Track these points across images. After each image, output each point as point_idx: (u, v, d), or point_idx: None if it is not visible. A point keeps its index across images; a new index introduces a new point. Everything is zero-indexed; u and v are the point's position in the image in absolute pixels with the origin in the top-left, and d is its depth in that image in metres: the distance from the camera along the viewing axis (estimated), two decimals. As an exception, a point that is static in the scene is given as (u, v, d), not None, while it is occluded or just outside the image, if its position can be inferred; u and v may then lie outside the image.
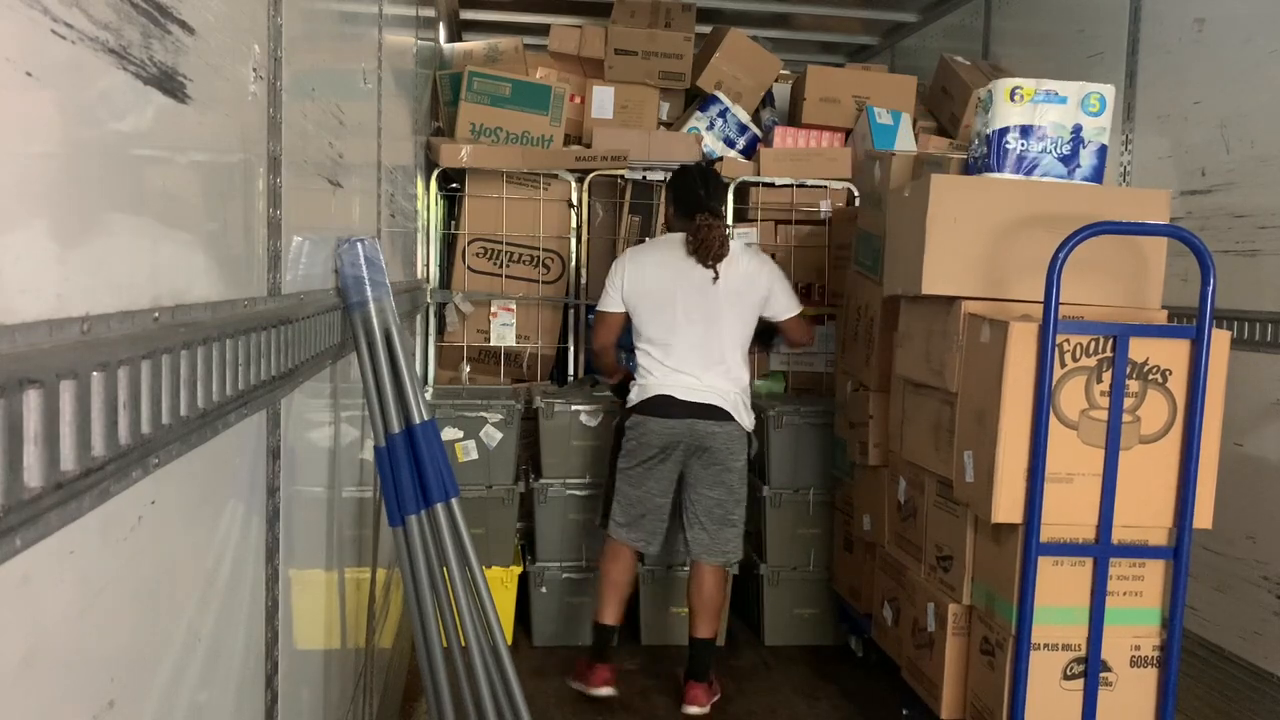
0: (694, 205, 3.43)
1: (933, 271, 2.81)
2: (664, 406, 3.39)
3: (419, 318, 4.14)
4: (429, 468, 2.22)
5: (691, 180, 3.52)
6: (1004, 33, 5.00)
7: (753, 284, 3.42)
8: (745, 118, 4.72)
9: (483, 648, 2.36)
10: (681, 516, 3.53)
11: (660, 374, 3.40)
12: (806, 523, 4.11)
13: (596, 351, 3.68)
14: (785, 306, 3.50)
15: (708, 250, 3.34)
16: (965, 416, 2.75)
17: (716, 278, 3.35)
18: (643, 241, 4.33)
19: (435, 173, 4.40)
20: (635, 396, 3.48)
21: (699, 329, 3.37)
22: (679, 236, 3.44)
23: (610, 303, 3.49)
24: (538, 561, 4.01)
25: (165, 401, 1.01)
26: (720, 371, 3.39)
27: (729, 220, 4.38)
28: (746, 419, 3.45)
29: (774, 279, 3.48)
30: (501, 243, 4.38)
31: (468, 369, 4.44)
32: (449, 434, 3.87)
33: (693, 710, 3.47)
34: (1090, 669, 2.60)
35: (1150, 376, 2.55)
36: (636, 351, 3.49)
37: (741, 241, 3.52)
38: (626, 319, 3.49)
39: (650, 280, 3.42)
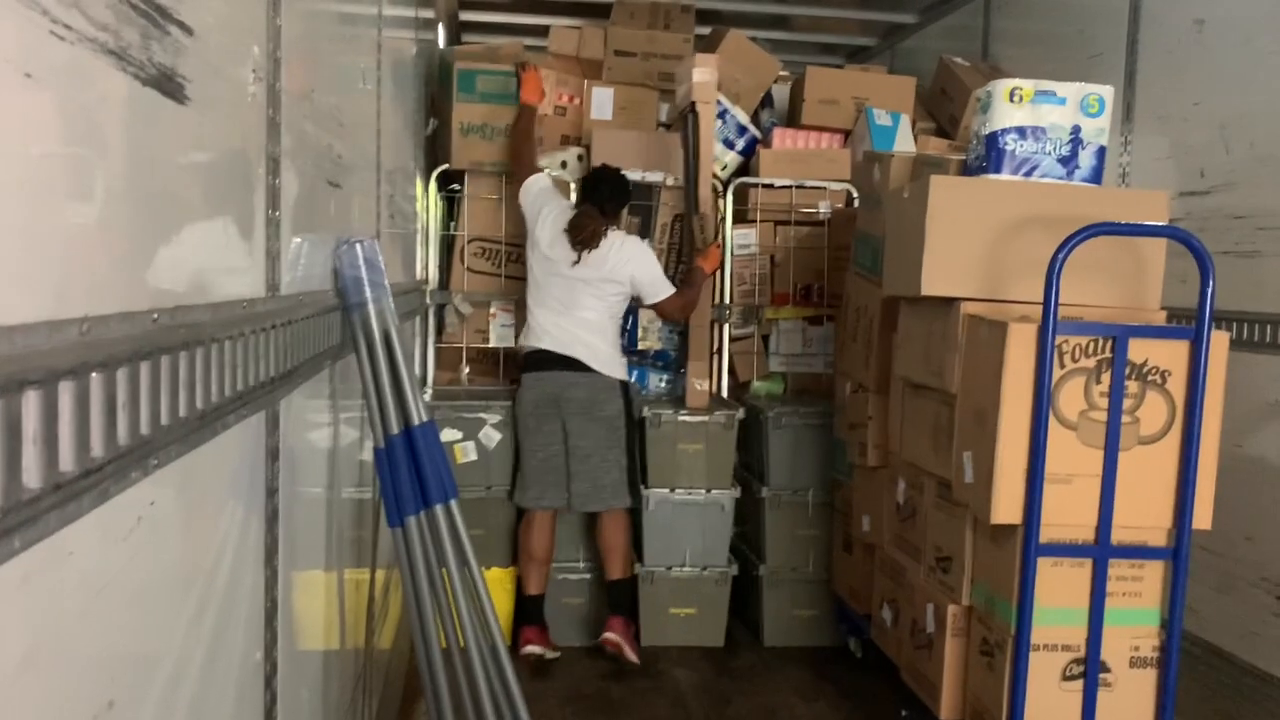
0: (583, 196, 3.90)
1: (932, 272, 2.81)
2: (535, 361, 3.76)
3: (418, 319, 4.14)
4: (428, 469, 2.22)
5: (594, 178, 3.90)
6: (1003, 34, 5.00)
7: (615, 273, 3.74)
8: (744, 119, 4.72)
9: (482, 648, 2.36)
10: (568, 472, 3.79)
11: (534, 326, 3.79)
12: (806, 524, 4.11)
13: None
14: (650, 293, 3.83)
15: (574, 234, 3.72)
16: (964, 417, 2.75)
17: (577, 261, 3.71)
18: (642, 240, 4.33)
19: (435, 173, 4.40)
20: (521, 353, 3.86)
21: (563, 291, 3.74)
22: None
23: (525, 197, 3.93)
24: (537, 562, 4.01)
25: (164, 402, 1.01)
26: (583, 327, 3.72)
27: (722, 222, 4.39)
28: (616, 370, 3.76)
29: (639, 270, 3.77)
30: (501, 243, 4.38)
31: (467, 370, 4.44)
32: (448, 435, 3.87)
33: (610, 635, 3.78)
34: (1089, 670, 2.60)
35: (1149, 377, 2.55)
36: (527, 295, 3.87)
37: (622, 235, 3.85)
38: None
39: (541, 222, 3.82)
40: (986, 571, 2.75)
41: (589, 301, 3.73)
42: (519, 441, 3.85)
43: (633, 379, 3.96)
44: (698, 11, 5.05)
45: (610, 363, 3.76)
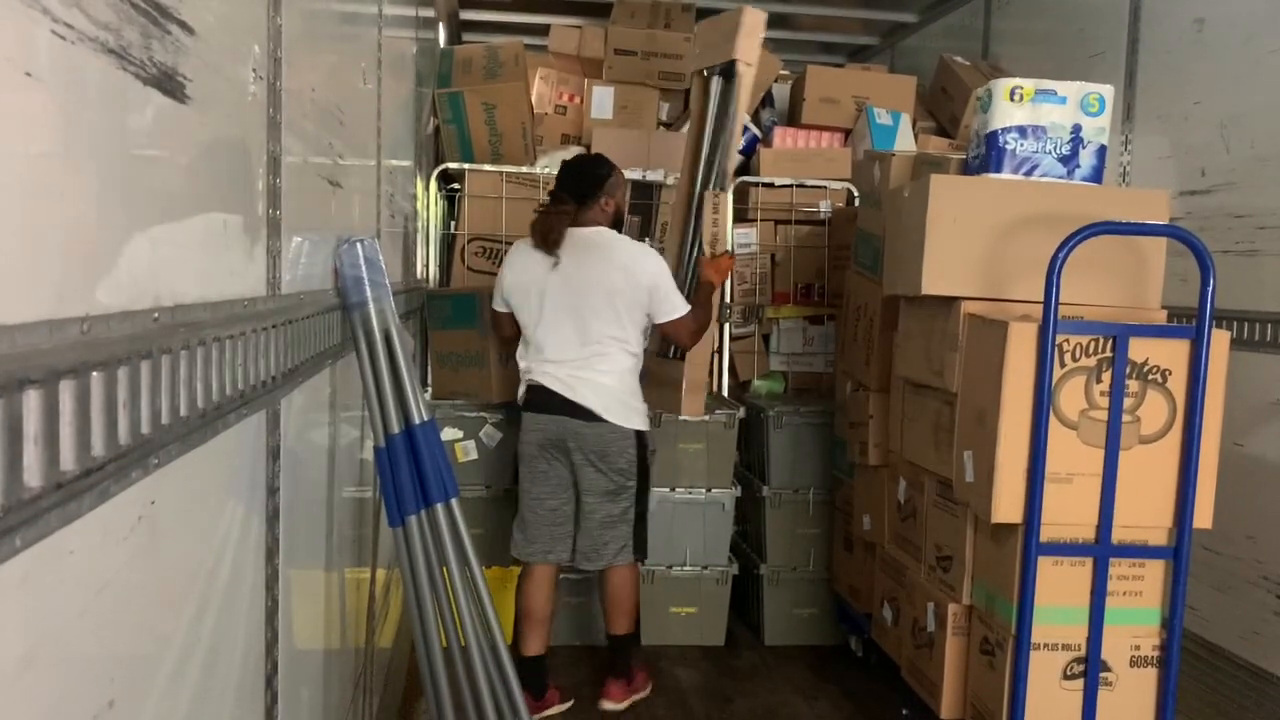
0: (553, 193, 3.34)
1: (932, 272, 2.81)
2: (538, 402, 3.24)
3: (419, 318, 4.14)
4: (429, 468, 2.22)
5: (562, 171, 3.36)
6: (1004, 33, 5.00)
7: (627, 278, 3.16)
8: (745, 118, 4.72)
9: (482, 647, 2.36)
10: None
11: (534, 369, 3.26)
12: (806, 523, 4.11)
13: (504, 347, 3.58)
14: (664, 309, 3.22)
15: (540, 236, 3.21)
16: (965, 416, 2.75)
17: (557, 263, 3.17)
18: (641, 242, 4.32)
19: (435, 172, 4.40)
20: (519, 395, 3.34)
21: (566, 321, 3.19)
22: None
23: (496, 301, 3.39)
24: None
25: (165, 401, 1.01)
26: (592, 367, 3.18)
27: (725, 214, 4.37)
28: (624, 417, 3.20)
29: (657, 278, 3.20)
30: (501, 242, 4.38)
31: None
32: (449, 434, 3.87)
33: (607, 705, 3.46)
34: (1090, 669, 2.60)
35: (1150, 376, 2.55)
36: (520, 348, 3.37)
37: (621, 236, 3.30)
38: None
39: (519, 273, 3.27)
40: (987, 570, 2.75)
41: (600, 323, 3.16)
42: (520, 487, 3.38)
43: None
44: (698, 10, 5.05)
45: (622, 409, 3.21)
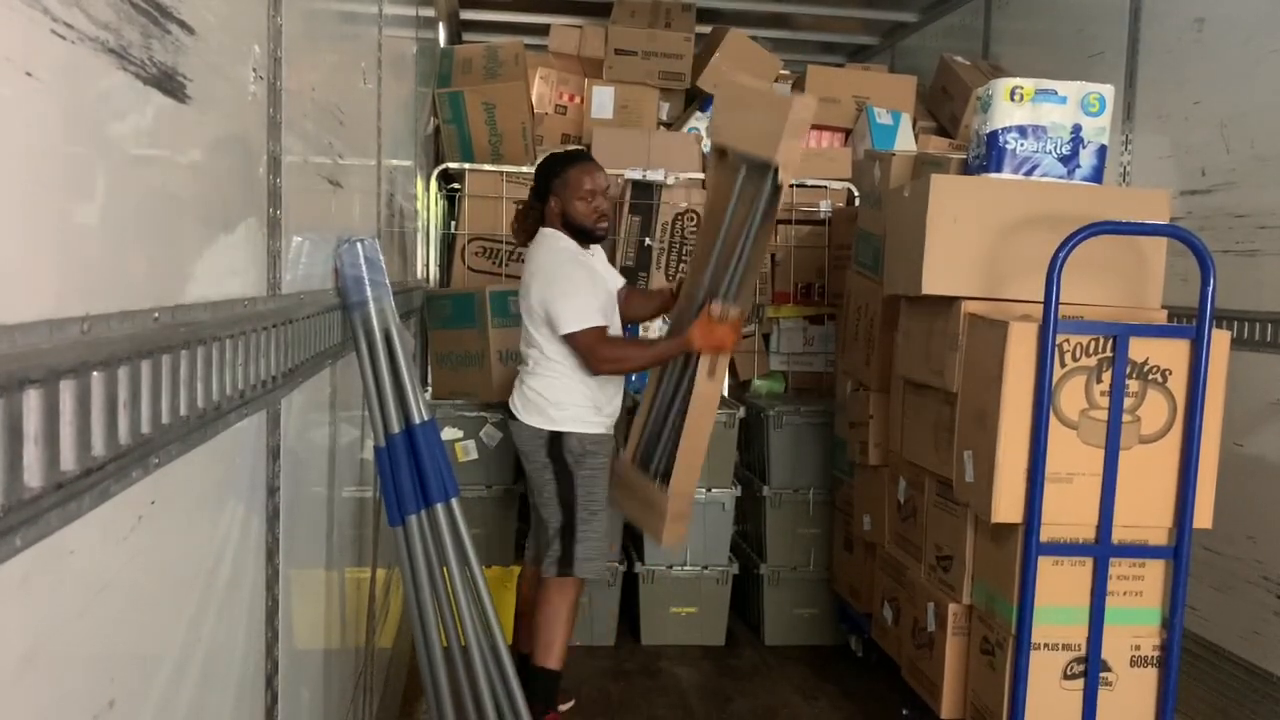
0: None
1: (933, 271, 2.81)
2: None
3: (419, 318, 4.14)
4: (429, 467, 2.22)
5: None
6: (1004, 33, 5.00)
7: (526, 285, 3.13)
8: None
9: (482, 647, 2.36)
10: None
11: None
12: (806, 523, 4.11)
13: None
14: (556, 321, 3.01)
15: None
16: (965, 416, 2.75)
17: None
18: (642, 241, 4.33)
19: (435, 171, 4.40)
20: None
21: (517, 324, 3.25)
22: None
23: None
24: (537, 561, 4.00)
25: (165, 401, 1.01)
26: (526, 368, 3.17)
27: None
28: (533, 417, 3.11)
29: (546, 286, 3.03)
30: (501, 242, 4.38)
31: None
32: (449, 434, 3.87)
33: None
34: (1090, 669, 2.60)
35: (1150, 376, 2.55)
36: None
37: (549, 233, 3.15)
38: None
39: None
40: (987, 570, 2.75)
41: (526, 328, 3.15)
42: None
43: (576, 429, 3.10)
44: (698, 10, 5.05)
45: (535, 409, 3.11)
